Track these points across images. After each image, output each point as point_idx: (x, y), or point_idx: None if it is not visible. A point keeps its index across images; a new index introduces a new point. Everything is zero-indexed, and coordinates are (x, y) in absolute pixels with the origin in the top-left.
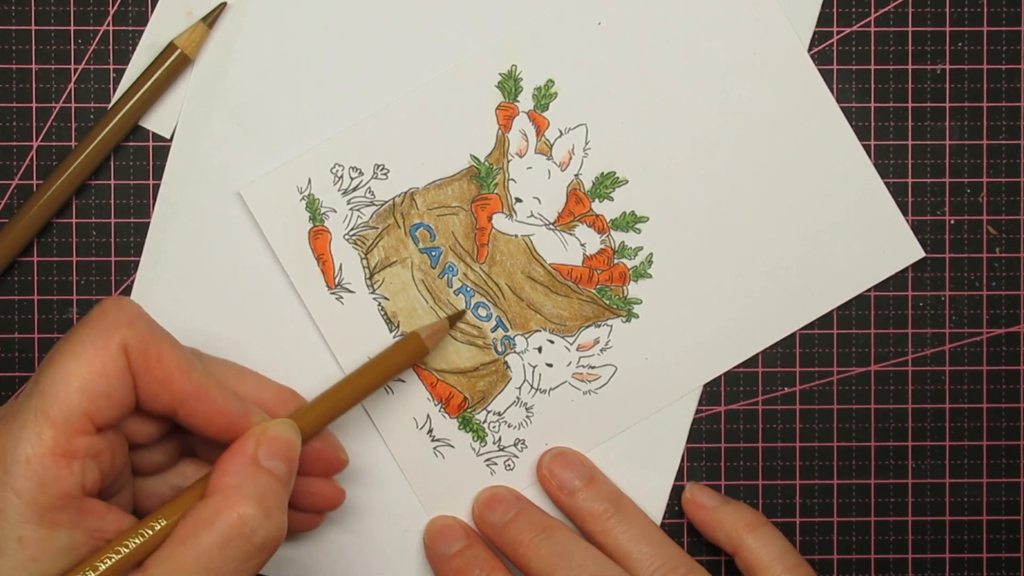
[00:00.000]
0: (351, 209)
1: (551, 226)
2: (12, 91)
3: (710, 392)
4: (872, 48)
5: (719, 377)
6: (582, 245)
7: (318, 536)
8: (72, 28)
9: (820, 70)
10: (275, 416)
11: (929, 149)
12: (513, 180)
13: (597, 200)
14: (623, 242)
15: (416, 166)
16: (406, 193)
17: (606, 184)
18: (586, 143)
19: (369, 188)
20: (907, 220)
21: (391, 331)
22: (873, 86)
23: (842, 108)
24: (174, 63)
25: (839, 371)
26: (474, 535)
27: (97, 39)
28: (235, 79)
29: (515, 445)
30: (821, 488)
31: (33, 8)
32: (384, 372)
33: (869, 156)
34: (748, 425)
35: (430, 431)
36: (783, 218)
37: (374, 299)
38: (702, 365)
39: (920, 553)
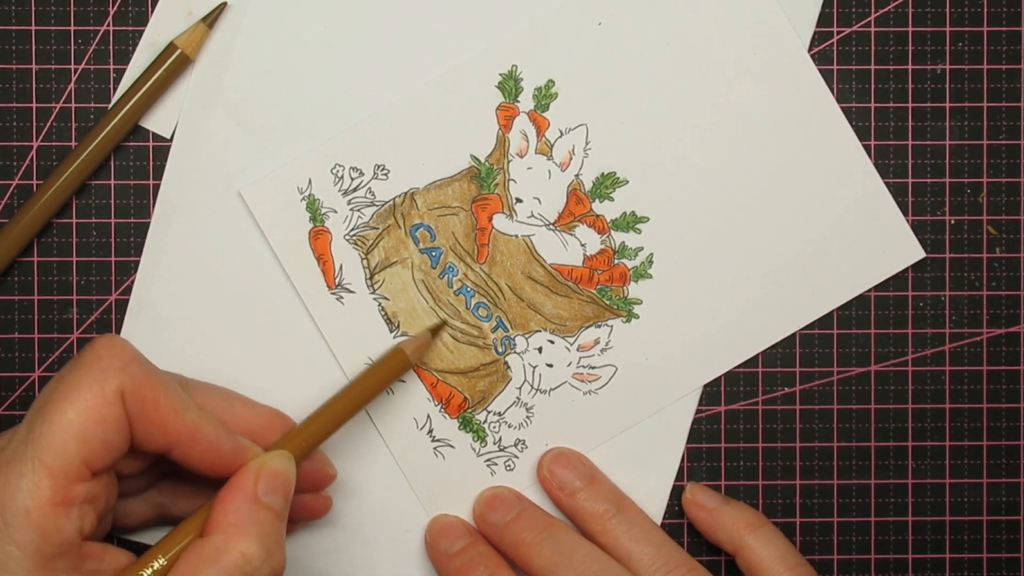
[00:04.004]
0: (351, 209)
1: (551, 226)
2: (12, 91)
3: (710, 392)
4: (872, 48)
5: (719, 377)
6: (582, 245)
7: (319, 536)
8: (72, 28)
9: (820, 70)
10: (264, 440)
11: (929, 149)
12: (513, 180)
13: (597, 200)
14: (623, 242)
15: (416, 166)
16: (406, 193)
17: (606, 184)
18: (586, 143)
19: (369, 188)
20: (907, 220)
21: (391, 331)
22: (873, 86)
23: (842, 108)
24: (174, 63)
25: (839, 371)
26: (476, 534)
27: (97, 39)
28: (235, 79)
29: (515, 445)
30: (821, 488)
31: (33, 8)
32: (369, 389)
33: (869, 156)
34: (748, 425)
35: (430, 431)
36: (783, 218)
37: (374, 299)
38: (702, 365)
39: (920, 553)
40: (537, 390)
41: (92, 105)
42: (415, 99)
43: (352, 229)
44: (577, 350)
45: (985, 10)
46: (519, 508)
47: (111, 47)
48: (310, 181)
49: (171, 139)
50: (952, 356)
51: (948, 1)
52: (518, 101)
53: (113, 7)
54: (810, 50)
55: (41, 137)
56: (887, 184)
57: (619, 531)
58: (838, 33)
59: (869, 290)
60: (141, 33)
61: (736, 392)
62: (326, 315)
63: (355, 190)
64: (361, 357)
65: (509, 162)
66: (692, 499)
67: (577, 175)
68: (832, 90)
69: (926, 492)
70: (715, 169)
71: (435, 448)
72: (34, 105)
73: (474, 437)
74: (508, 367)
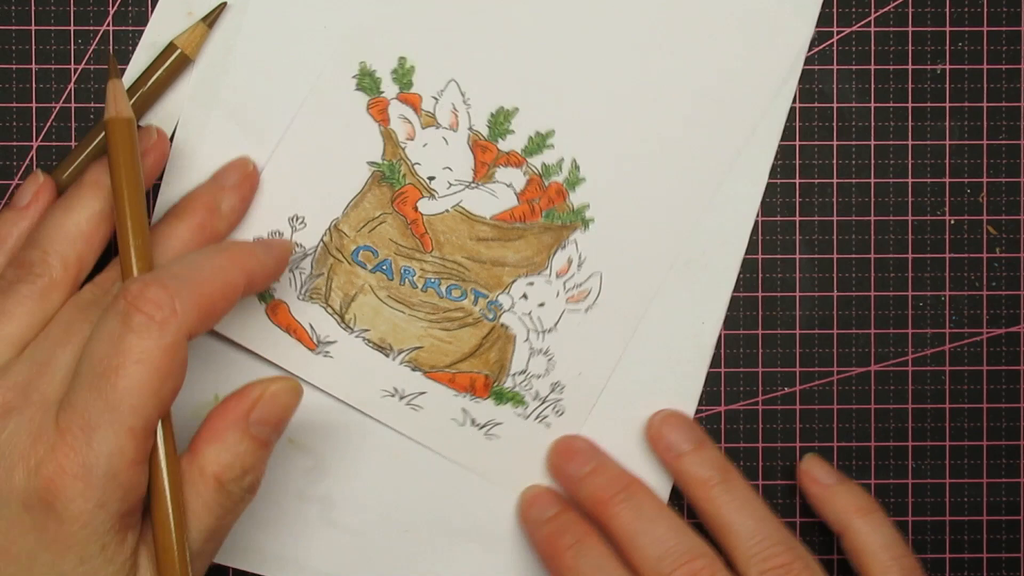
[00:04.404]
0: (290, 271)
1: (472, 185)
2: (12, 91)
3: (710, 392)
4: (872, 48)
5: (719, 377)
6: (509, 186)
7: (318, 536)
8: (72, 28)
9: (820, 70)
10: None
11: (929, 149)
12: (417, 164)
13: (500, 140)
14: (543, 163)
15: (325, 200)
16: (329, 228)
17: (500, 121)
18: (463, 96)
19: (296, 243)
20: (907, 220)
21: (388, 355)
22: (873, 86)
23: (842, 108)
24: (174, 63)
25: (839, 371)
26: (565, 503)
27: (97, 39)
28: (235, 79)
29: (553, 390)
30: None
31: (33, 8)
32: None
33: (869, 156)
34: (748, 425)
35: (473, 422)
36: (676, 55)
37: (357, 337)
38: (675, 229)
39: (920, 553)
40: (544, 332)
41: (92, 105)
42: (291, 142)
43: (301, 287)
44: (557, 277)
45: (985, 10)
46: (596, 461)
47: (111, 47)
48: None
49: (171, 139)
50: (952, 356)
51: (948, 1)
52: (382, 92)
53: (113, 7)
54: (810, 50)
55: (41, 137)
56: (887, 184)
57: (722, 500)
58: (838, 33)
59: (869, 290)
60: (141, 33)
61: (736, 392)
62: (322, 374)
63: None
64: (374, 393)
65: (404, 149)
66: (808, 471)
67: (470, 128)
68: (832, 90)
69: (926, 492)
70: (588, 47)
71: (486, 433)
72: (34, 105)
73: (513, 404)
74: (506, 327)
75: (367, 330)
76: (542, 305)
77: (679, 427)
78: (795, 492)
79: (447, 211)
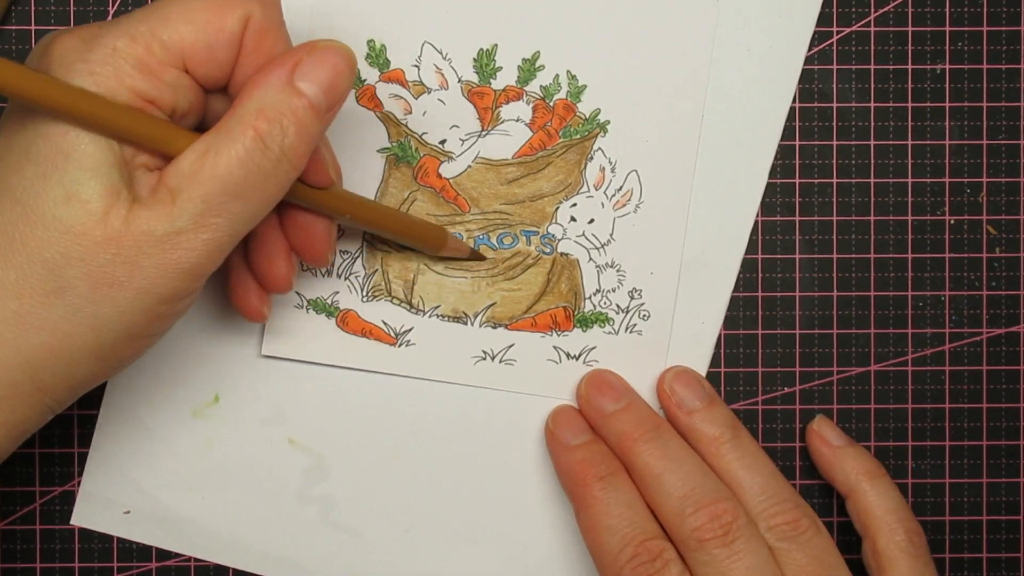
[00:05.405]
0: (346, 279)
1: (483, 133)
2: None
3: None
4: (872, 48)
5: (719, 377)
6: (518, 121)
7: (317, 536)
8: None
9: (820, 70)
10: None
11: (929, 149)
12: (424, 133)
13: (492, 80)
14: (541, 86)
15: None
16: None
17: (484, 63)
18: (441, 53)
19: (340, 249)
20: (907, 220)
21: (466, 323)
22: (873, 86)
23: (842, 108)
24: None
25: (839, 371)
26: (595, 433)
27: None
28: None
29: (633, 298)
30: (821, 488)
31: (33, 8)
32: (402, 219)
33: (869, 156)
34: (749, 425)
35: (569, 355)
36: None
37: (430, 317)
38: (689, 102)
39: None
40: (603, 246)
41: None
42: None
43: (362, 290)
44: (596, 189)
45: (985, 10)
46: (628, 400)
47: None
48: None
49: None
50: (952, 356)
51: (948, 1)
52: (364, 79)
53: (113, 7)
54: (810, 50)
55: None
56: (887, 184)
57: (731, 456)
58: (838, 33)
59: (869, 290)
60: None
61: (736, 392)
62: (411, 363)
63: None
64: (466, 363)
65: (406, 125)
66: (818, 432)
67: (460, 80)
68: (832, 90)
69: (926, 492)
70: None
71: (585, 362)
72: None
73: (600, 325)
74: (567, 255)
75: (437, 306)
76: (592, 222)
77: (690, 384)
78: (796, 492)
79: (469, 167)
